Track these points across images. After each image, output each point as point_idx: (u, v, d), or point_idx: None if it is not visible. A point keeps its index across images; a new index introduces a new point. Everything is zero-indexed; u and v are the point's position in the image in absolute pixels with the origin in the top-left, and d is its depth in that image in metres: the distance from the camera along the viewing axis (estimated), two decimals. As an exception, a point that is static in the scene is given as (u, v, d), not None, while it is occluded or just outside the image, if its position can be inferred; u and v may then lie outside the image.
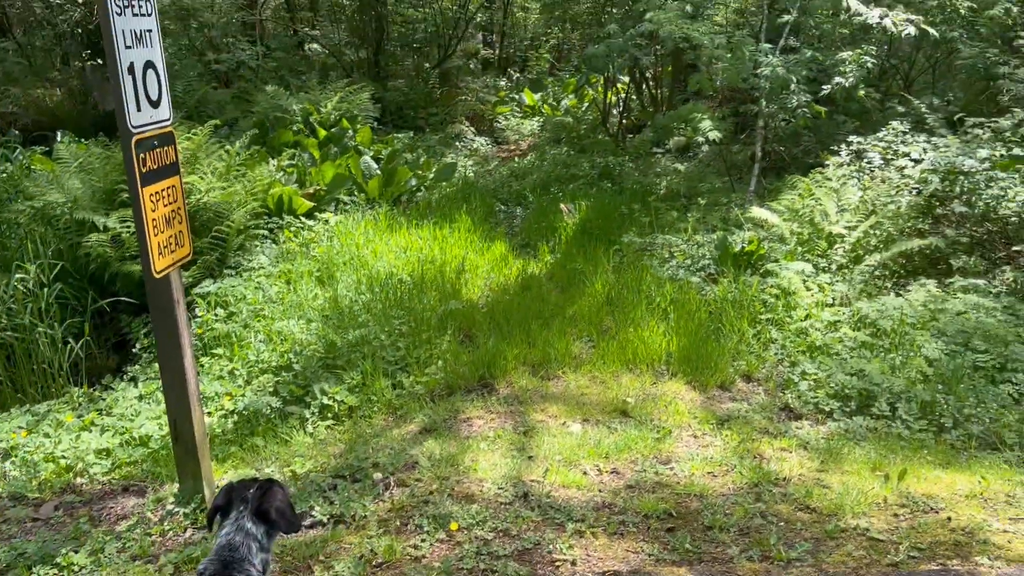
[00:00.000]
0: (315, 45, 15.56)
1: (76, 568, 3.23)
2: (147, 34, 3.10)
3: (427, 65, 14.85)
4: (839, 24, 8.77)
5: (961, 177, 6.24)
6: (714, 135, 8.00)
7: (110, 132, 9.92)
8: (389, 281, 6.19)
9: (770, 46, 8.01)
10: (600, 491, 3.74)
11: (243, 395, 4.76)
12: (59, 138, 9.18)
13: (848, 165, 7.23)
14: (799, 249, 6.41)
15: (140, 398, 4.91)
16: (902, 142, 7.13)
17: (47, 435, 4.45)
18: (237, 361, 5.14)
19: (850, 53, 7.82)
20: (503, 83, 16.04)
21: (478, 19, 16.13)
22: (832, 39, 9.33)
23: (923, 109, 7.91)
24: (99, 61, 11.97)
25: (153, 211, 3.13)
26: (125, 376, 5.39)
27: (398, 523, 3.45)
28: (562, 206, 8.40)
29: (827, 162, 7.42)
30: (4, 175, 7.72)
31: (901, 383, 4.66)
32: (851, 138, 7.46)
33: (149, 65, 3.11)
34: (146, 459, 4.21)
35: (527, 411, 4.61)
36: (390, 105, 12.97)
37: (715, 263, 6.52)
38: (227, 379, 4.99)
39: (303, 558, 3.21)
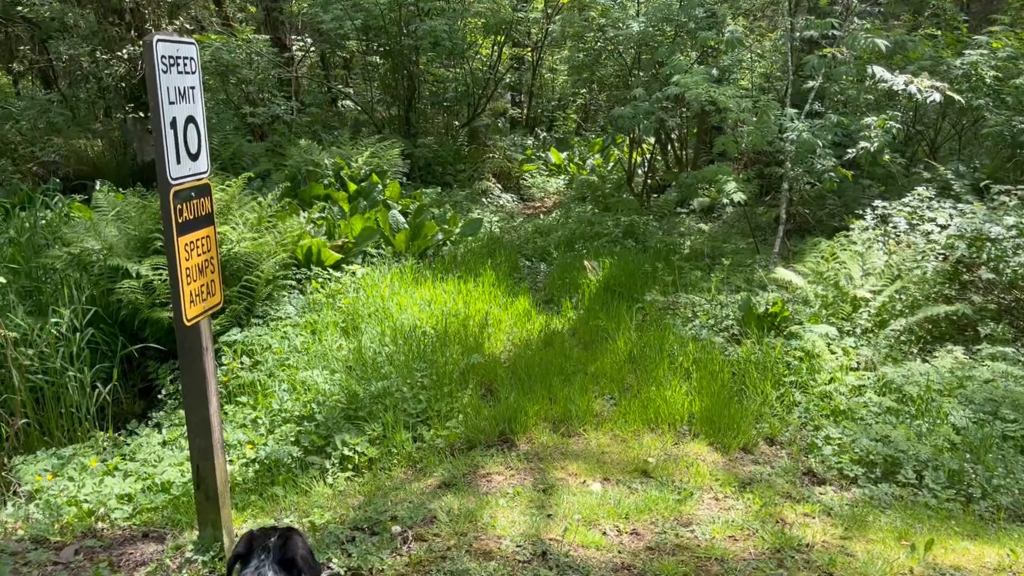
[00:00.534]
0: (348, 102, 15.96)
1: (93, 613, 3.24)
2: (190, 91, 3.23)
3: (456, 123, 15.15)
4: (864, 90, 8.87)
5: (988, 244, 6.22)
6: (739, 196, 8.06)
7: (147, 182, 10.20)
8: (413, 333, 6.24)
9: (795, 111, 8.11)
10: (620, 552, 3.70)
11: (265, 444, 4.79)
12: (98, 187, 9.45)
13: (873, 229, 7.23)
14: (823, 312, 6.38)
15: (164, 444, 4.96)
16: (928, 207, 7.14)
17: (71, 479, 4.49)
18: (260, 410, 5.19)
19: (875, 118, 7.89)
20: (530, 141, 16.30)
21: (507, 79, 16.48)
22: (857, 104, 9.43)
23: (949, 175, 7.93)
24: (140, 114, 12.36)
25: (187, 260, 3.21)
26: (150, 422, 5.45)
27: (415, 578, 3.43)
28: (586, 263, 8.45)
29: (852, 225, 7.43)
30: (43, 222, 7.93)
31: (928, 451, 4.59)
32: (876, 202, 7.48)
33: (190, 120, 3.24)
34: (167, 505, 4.24)
35: (547, 468, 4.59)
36: (419, 161, 13.21)
37: (738, 324, 6.51)
38: (250, 427, 5.03)
39: (319, 610, 3.20)
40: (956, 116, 9.39)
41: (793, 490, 4.44)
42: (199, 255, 3.31)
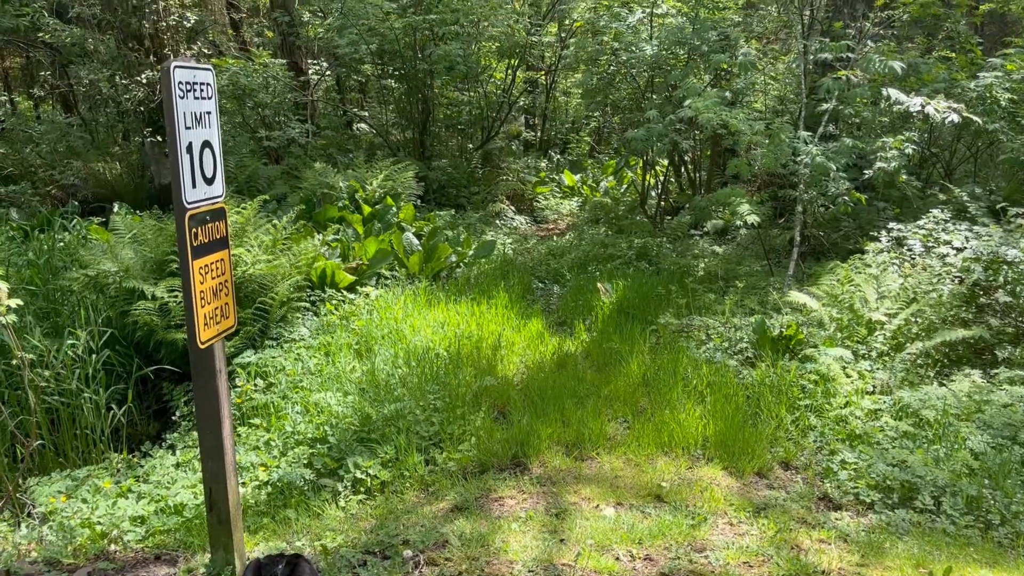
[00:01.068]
0: (363, 125, 16.11)
1: (105, 636, 3.23)
2: (206, 116, 3.27)
3: (470, 146, 15.25)
4: (878, 112, 8.87)
5: (1005, 267, 6.17)
6: (752, 219, 8.05)
7: (164, 205, 10.32)
8: (426, 356, 6.25)
9: (809, 133, 8.11)
10: (632, 578, 3.67)
11: (278, 466, 4.80)
12: (115, 209, 9.56)
13: (888, 252, 7.20)
14: (838, 335, 6.34)
15: (177, 466, 4.97)
16: (943, 230, 7.11)
17: (85, 500, 4.51)
18: (274, 432, 5.19)
19: (892, 139, 7.88)
20: (544, 164, 16.37)
21: (521, 103, 16.59)
22: (872, 127, 9.42)
23: (964, 197, 7.89)
24: (158, 138, 12.52)
25: (201, 283, 3.24)
26: (164, 443, 5.46)
27: (426, 603, 3.41)
28: (599, 285, 8.45)
29: (867, 248, 7.40)
30: (61, 244, 8.02)
31: (945, 476, 4.53)
32: (891, 225, 7.45)
33: (206, 145, 3.28)
34: (180, 528, 4.24)
35: (560, 492, 4.56)
36: (433, 183, 13.29)
37: (753, 347, 6.48)
38: (263, 449, 5.03)
39: (329, 635, 3.18)
40: (971, 138, 9.36)
41: (808, 516, 4.39)
42: (213, 278, 3.33)
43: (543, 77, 17.36)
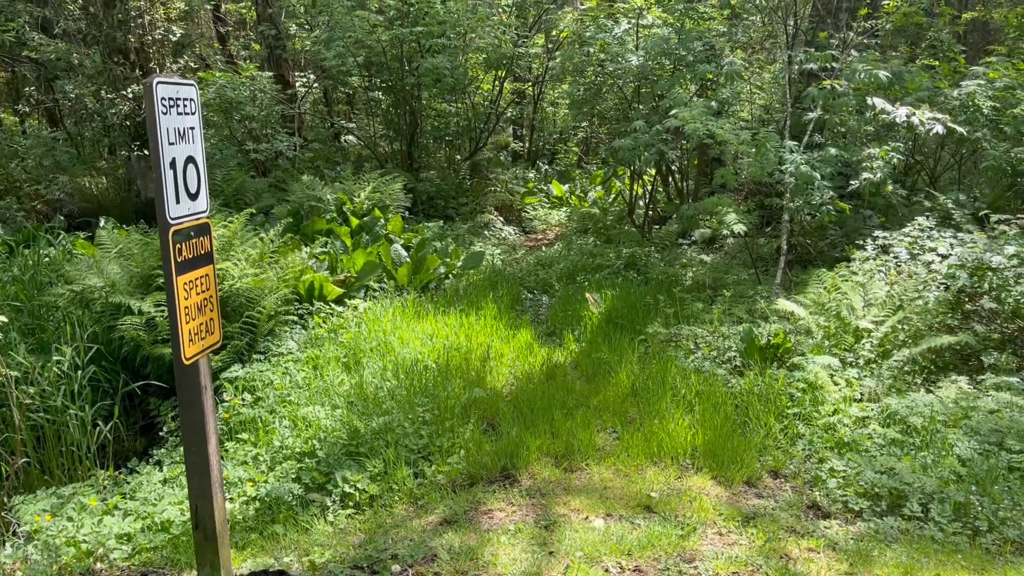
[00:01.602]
0: (351, 137, 16.11)
1: (90, 657, 3.20)
2: (190, 131, 3.27)
3: (458, 157, 15.27)
4: (864, 121, 8.93)
5: (990, 273, 6.22)
6: (739, 228, 8.08)
7: (151, 219, 10.28)
8: (415, 368, 6.24)
9: (795, 143, 8.16)
10: (622, 589, 3.66)
11: (266, 481, 4.77)
12: (101, 224, 9.51)
13: (874, 259, 7.24)
14: (826, 343, 6.37)
15: (164, 482, 4.93)
16: (929, 237, 7.15)
17: (70, 518, 4.46)
18: (261, 446, 5.16)
19: (878, 149, 7.93)
20: (532, 175, 16.40)
21: (509, 114, 16.64)
22: (857, 135, 9.48)
23: (949, 205, 7.95)
24: (144, 152, 12.50)
25: (186, 299, 3.22)
26: (151, 459, 5.42)
27: (415, 618, 3.39)
28: (588, 295, 8.46)
29: (853, 256, 7.44)
30: (47, 259, 7.97)
31: (933, 483, 4.55)
32: (877, 232, 7.50)
33: (190, 160, 3.27)
34: (166, 545, 4.20)
35: (549, 504, 4.55)
36: (421, 195, 13.29)
37: (741, 355, 6.49)
38: (251, 464, 5.00)
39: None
40: (955, 146, 9.44)
41: (797, 524, 4.40)
42: (198, 294, 3.32)
43: (530, 88, 17.42)
